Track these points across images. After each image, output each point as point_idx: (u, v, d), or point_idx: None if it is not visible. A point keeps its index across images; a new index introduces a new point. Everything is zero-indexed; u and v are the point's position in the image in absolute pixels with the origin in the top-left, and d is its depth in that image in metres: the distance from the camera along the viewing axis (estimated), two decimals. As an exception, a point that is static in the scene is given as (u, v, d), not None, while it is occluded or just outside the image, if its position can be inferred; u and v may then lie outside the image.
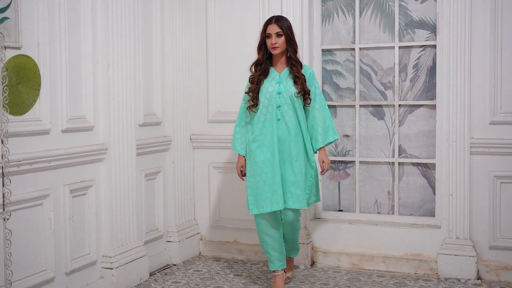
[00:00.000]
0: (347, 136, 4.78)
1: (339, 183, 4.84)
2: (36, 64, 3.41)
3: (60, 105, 3.64)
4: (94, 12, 3.90)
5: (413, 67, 4.58)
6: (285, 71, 3.97)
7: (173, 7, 4.71)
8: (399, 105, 4.62)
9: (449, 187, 4.33)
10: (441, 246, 4.35)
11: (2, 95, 2.65)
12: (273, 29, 3.89)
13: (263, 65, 3.98)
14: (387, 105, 4.66)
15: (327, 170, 4.06)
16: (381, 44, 4.64)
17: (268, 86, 3.96)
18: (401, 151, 4.64)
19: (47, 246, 3.52)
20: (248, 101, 4.02)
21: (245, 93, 4.04)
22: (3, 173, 2.67)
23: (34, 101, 3.42)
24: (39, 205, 3.47)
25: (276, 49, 3.89)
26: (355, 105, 4.73)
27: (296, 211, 4.00)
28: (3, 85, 2.66)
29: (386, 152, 4.68)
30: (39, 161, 3.43)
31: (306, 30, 4.65)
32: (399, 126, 4.63)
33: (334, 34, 4.78)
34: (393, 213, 4.67)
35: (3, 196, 2.66)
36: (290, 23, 3.96)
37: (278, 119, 3.92)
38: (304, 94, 3.94)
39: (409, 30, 4.57)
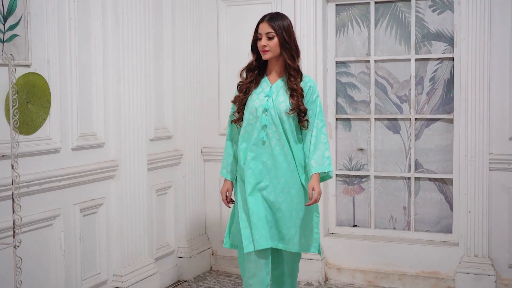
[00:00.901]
0: (362, 150, 4.68)
1: (353, 197, 4.74)
2: (46, 81, 3.33)
3: (70, 122, 3.55)
4: (104, 26, 3.82)
5: (430, 80, 4.47)
6: (279, 81, 3.33)
7: (184, 19, 4.62)
8: (416, 118, 4.51)
9: (467, 204, 4.23)
10: (459, 264, 4.25)
11: (13, 118, 2.57)
12: (264, 28, 3.26)
13: (255, 71, 3.38)
14: (403, 119, 4.56)
15: (315, 201, 3.27)
16: (397, 56, 4.54)
17: (255, 99, 3.32)
18: (417, 165, 4.54)
19: (57, 267, 3.43)
20: (233, 113, 3.47)
21: (231, 102, 3.48)
22: (13, 199, 2.58)
23: (44, 119, 3.34)
24: (49, 226, 3.39)
25: (266, 53, 3.25)
26: (370, 118, 4.63)
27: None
28: (13, 108, 2.57)
29: (402, 167, 4.58)
30: (49, 181, 3.35)
31: (320, 42, 4.55)
32: (415, 140, 4.53)
33: (348, 45, 4.68)
34: (409, 229, 4.57)
35: (13, 223, 2.57)
36: (289, 22, 3.31)
37: (264, 142, 3.30)
38: (300, 113, 3.27)
39: (425, 42, 4.47)
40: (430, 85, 4.47)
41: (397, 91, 4.57)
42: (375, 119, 4.62)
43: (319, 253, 3.51)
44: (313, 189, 3.26)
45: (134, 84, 3.99)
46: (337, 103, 4.71)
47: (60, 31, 3.45)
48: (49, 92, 3.36)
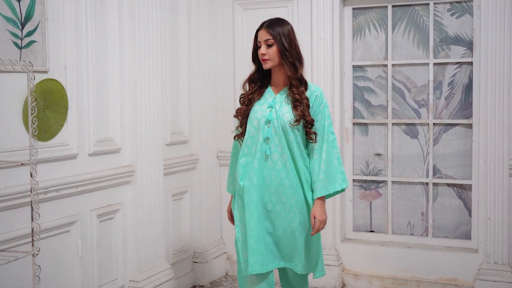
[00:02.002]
0: (379, 155, 4.63)
1: (370, 203, 4.69)
2: (63, 87, 3.32)
3: (87, 128, 3.54)
4: (121, 31, 3.80)
5: (448, 85, 4.42)
6: (284, 91, 3.10)
7: (199, 22, 4.60)
8: (434, 123, 4.46)
9: (486, 210, 4.17)
10: (478, 271, 4.19)
11: (31, 126, 2.55)
12: (262, 36, 3.03)
13: (257, 82, 3.16)
14: (421, 124, 4.51)
15: (319, 230, 3.05)
16: (415, 61, 4.49)
17: (257, 111, 3.09)
18: (435, 171, 4.49)
19: (74, 274, 3.42)
20: (236, 128, 3.26)
21: (234, 116, 3.26)
22: (32, 207, 2.57)
23: (62, 125, 3.33)
24: (66, 232, 3.38)
25: (266, 62, 3.02)
26: (387, 123, 4.58)
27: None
28: (32, 116, 2.56)
29: (419, 172, 4.53)
30: (66, 187, 3.34)
31: (336, 46, 4.51)
32: (433, 145, 4.48)
33: (365, 49, 4.63)
34: (427, 235, 4.52)
35: (32, 232, 2.56)
36: (289, 28, 3.05)
37: (266, 156, 3.07)
38: (306, 124, 3.03)
39: (444, 46, 4.42)
40: (448, 90, 4.42)
41: (415, 96, 4.52)
42: (393, 123, 4.58)
43: (321, 275, 3.21)
44: (314, 217, 3.03)
45: (151, 89, 3.98)
46: (354, 107, 4.66)
47: (77, 36, 3.44)
48: (66, 98, 3.35)
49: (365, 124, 4.66)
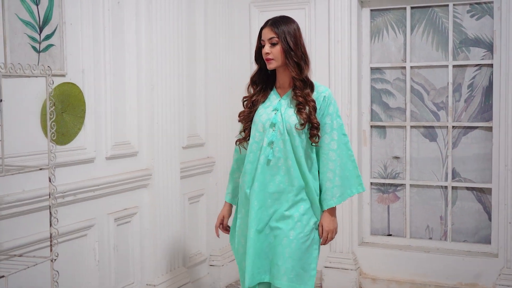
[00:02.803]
0: (397, 158, 4.58)
1: (388, 206, 4.65)
2: (81, 91, 3.31)
3: (104, 131, 3.53)
4: (138, 34, 3.79)
5: (468, 87, 4.36)
6: (289, 93, 2.91)
7: (216, 25, 4.57)
8: (453, 126, 4.41)
9: (506, 214, 4.11)
10: (499, 276, 4.13)
11: (50, 131, 2.54)
12: (266, 34, 2.85)
13: (261, 84, 2.97)
14: (439, 126, 4.45)
15: (329, 240, 2.91)
16: (434, 63, 4.43)
17: (262, 114, 2.91)
18: (454, 174, 4.43)
19: (91, 278, 3.41)
20: (240, 132, 3.07)
21: (238, 120, 3.07)
22: (50, 213, 2.55)
23: (79, 129, 3.32)
24: (83, 236, 3.37)
25: (270, 62, 2.83)
26: (405, 126, 4.53)
27: None
28: (51, 121, 2.55)
29: (438, 176, 4.48)
30: (83, 191, 3.33)
31: (354, 47, 4.47)
32: (452, 149, 4.42)
33: (383, 51, 4.59)
34: (445, 239, 4.46)
35: (51, 237, 2.55)
36: (295, 26, 2.87)
37: (269, 161, 2.86)
38: (312, 128, 2.83)
39: (463, 48, 4.36)
40: (468, 92, 4.37)
41: (433, 98, 4.47)
42: (411, 126, 4.53)
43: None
44: (322, 226, 2.88)
45: (168, 92, 3.96)
46: (371, 110, 4.62)
47: (95, 39, 3.43)
48: (84, 102, 3.33)
49: (383, 127, 4.62)
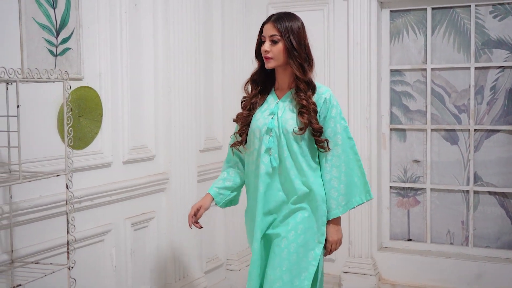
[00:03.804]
0: (417, 161, 4.50)
1: (408, 210, 4.57)
2: (98, 95, 3.27)
3: (121, 135, 3.49)
4: (155, 36, 3.74)
5: (491, 89, 4.28)
6: (288, 95, 2.72)
7: (233, 27, 4.52)
8: (475, 129, 4.32)
9: (530, 220, 4.03)
10: (522, 283, 4.06)
11: (67, 136, 2.50)
12: (268, 30, 2.65)
13: (260, 83, 2.79)
14: (461, 130, 4.37)
15: (333, 251, 2.75)
16: (455, 65, 4.35)
17: (259, 118, 2.73)
18: (476, 178, 4.34)
19: (108, 283, 3.37)
20: (234, 134, 2.89)
21: (233, 120, 2.91)
22: (67, 220, 2.52)
23: (96, 133, 3.28)
24: (100, 242, 3.33)
25: (269, 60, 2.64)
26: (426, 129, 4.45)
27: None
28: (68, 126, 2.51)
29: (460, 180, 4.39)
30: (100, 196, 3.28)
31: (374, 49, 4.40)
32: (474, 152, 4.34)
33: (403, 53, 4.51)
34: (467, 245, 4.38)
35: (68, 244, 2.51)
36: (300, 24, 2.68)
37: (268, 169, 2.68)
38: (314, 133, 2.64)
39: (486, 50, 4.27)
40: (490, 95, 4.28)
41: (455, 101, 4.39)
42: (432, 129, 4.45)
43: None
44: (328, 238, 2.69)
45: (185, 94, 3.91)
46: (391, 112, 4.55)
47: (112, 42, 3.39)
48: (101, 106, 3.30)
49: (403, 130, 4.54)
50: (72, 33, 3.10)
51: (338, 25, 4.47)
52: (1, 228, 2.68)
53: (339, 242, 2.73)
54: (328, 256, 4.50)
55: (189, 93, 3.95)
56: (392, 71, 4.54)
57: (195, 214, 2.84)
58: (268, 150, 2.67)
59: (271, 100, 2.75)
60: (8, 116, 2.52)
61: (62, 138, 2.95)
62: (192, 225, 2.88)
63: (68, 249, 2.56)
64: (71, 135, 2.54)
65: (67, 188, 2.54)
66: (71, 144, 2.57)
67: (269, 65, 2.66)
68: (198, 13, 4.09)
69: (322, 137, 2.65)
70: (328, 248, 2.72)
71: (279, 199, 2.69)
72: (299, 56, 2.62)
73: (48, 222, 2.94)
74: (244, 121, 2.78)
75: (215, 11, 4.38)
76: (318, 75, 4.50)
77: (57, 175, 2.50)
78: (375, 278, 4.39)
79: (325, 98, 2.67)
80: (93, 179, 3.26)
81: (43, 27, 2.91)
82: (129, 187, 3.50)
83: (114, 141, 3.42)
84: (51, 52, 2.96)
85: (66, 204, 2.54)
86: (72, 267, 2.61)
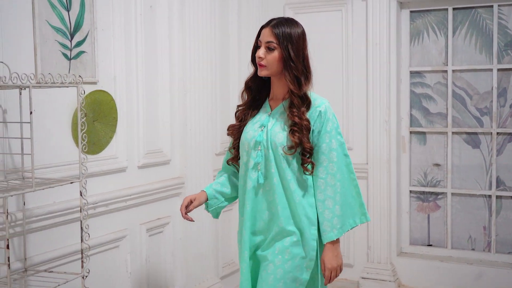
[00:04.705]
0: (437, 165, 4.40)
1: (428, 215, 4.47)
2: (112, 98, 3.21)
3: (136, 140, 3.43)
4: (171, 38, 3.68)
5: (514, 92, 4.17)
6: (280, 107, 2.50)
7: (249, 28, 4.45)
8: (497, 132, 4.21)
9: (555, 226, 3.92)
10: (546, 290, 3.95)
11: (81, 142, 2.44)
12: (265, 36, 2.43)
13: (253, 91, 2.58)
14: (483, 133, 4.26)
15: (333, 279, 2.47)
16: (477, 66, 4.24)
17: (249, 131, 2.52)
18: (499, 183, 4.24)
19: (123, 290, 3.32)
20: (229, 149, 2.69)
21: (227, 134, 2.72)
22: (81, 228, 2.46)
23: (111, 137, 3.23)
24: (115, 248, 3.27)
25: (262, 68, 2.43)
26: (447, 132, 4.35)
27: None
28: (82, 132, 2.45)
29: (481, 184, 4.28)
30: (115, 202, 3.23)
31: (393, 51, 4.31)
32: (497, 156, 4.23)
33: (423, 54, 4.41)
34: (489, 251, 4.27)
35: (82, 253, 2.45)
36: (299, 33, 2.44)
37: (255, 187, 2.48)
38: (303, 152, 2.40)
39: (509, 51, 4.16)
40: (514, 97, 4.18)
41: (477, 103, 4.28)
42: (453, 132, 4.34)
43: None
44: (323, 263, 2.45)
45: (201, 97, 3.85)
46: (411, 115, 4.45)
47: (127, 45, 3.33)
48: (116, 110, 3.24)
49: (423, 133, 4.44)
50: (86, 36, 3.04)
51: (356, 26, 4.39)
52: (15, 235, 2.63)
53: (339, 269, 2.46)
54: (346, 262, 4.46)
55: (205, 96, 3.89)
56: (412, 72, 4.44)
57: (187, 206, 2.62)
58: (256, 165, 2.46)
59: (263, 111, 2.55)
60: (21, 122, 2.47)
61: (76, 142, 2.89)
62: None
63: (82, 257, 2.50)
64: (85, 141, 2.49)
65: (81, 195, 2.48)
66: (85, 150, 2.51)
67: (261, 73, 2.45)
68: (215, 15, 4.02)
69: (310, 158, 2.41)
70: (328, 277, 2.45)
71: (266, 218, 2.47)
72: (295, 68, 2.40)
73: (62, 229, 2.89)
74: (236, 133, 2.59)
75: (232, 12, 4.31)
76: (335, 78, 4.45)
77: (71, 182, 2.45)
78: (394, 284, 4.30)
79: (320, 112, 2.43)
80: (108, 184, 3.21)
81: (57, 30, 2.86)
82: (144, 192, 3.45)
83: (129, 146, 3.36)
84: (65, 55, 2.91)
85: (80, 212, 2.47)
86: (86, 276, 2.55)
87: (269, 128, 2.45)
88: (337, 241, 2.44)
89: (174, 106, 3.72)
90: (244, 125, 2.56)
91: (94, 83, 3.10)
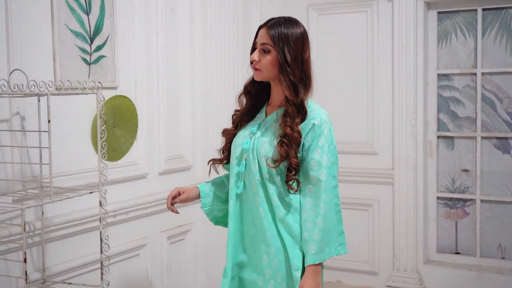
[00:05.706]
0: (466, 170, 4.27)
1: (456, 222, 4.33)
2: (133, 104, 3.14)
3: (157, 145, 3.36)
4: (192, 42, 3.60)
5: (546, 95, 4.03)
6: (273, 114, 2.30)
7: (273, 30, 4.35)
8: (529, 137, 4.08)
9: None
10: None
11: (101, 151, 2.37)
12: (261, 37, 2.24)
13: (252, 95, 2.38)
14: (514, 138, 4.13)
15: None
16: (508, 69, 4.10)
17: (239, 136, 2.35)
18: (530, 189, 4.10)
19: (143, 300, 3.25)
20: (220, 150, 2.50)
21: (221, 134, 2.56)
22: (101, 239, 2.39)
23: (131, 144, 3.16)
24: (135, 256, 3.21)
25: (257, 72, 2.25)
26: (476, 137, 4.21)
27: None
28: (102, 140, 2.38)
29: (512, 190, 4.15)
30: (136, 209, 3.17)
31: (420, 53, 4.19)
32: (528, 162, 4.09)
33: (451, 56, 4.28)
34: (520, 260, 4.14)
35: (101, 265, 2.38)
36: (299, 34, 2.22)
37: (238, 197, 2.30)
38: (289, 167, 2.18)
39: (541, 53, 4.02)
40: (546, 101, 4.03)
41: (507, 107, 4.14)
42: (482, 137, 4.20)
43: None
44: None
45: (222, 101, 3.77)
46: (438, 119, 4.32)
47: (147, 49, 3.26)
48: (136, 115, 3.17)
49: (451, 138, 4.31)
50: (106, 40, 2.97)
51: (382, 27, 4.27)
52: (33, 245, 2.57)
53: None
54: (371, 269, 4.35)
55: (227, 100, 3.80)
56: (439, 75, 4.31)
57: (174, 197, 2.45)
58: (240, 174, 2.28)
59: (259, 117, 2.37)
60: (39, 131, 2.40)
61: (96, 150, 2.82)
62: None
63: (102, 269, 2.42)
64: (105, 149, 2.41)
65: (100, 205, 2.40)
66: (105, 158, 2.44)
67: (257, 77, 2.27)
68: (237, 18, 3.93)
69: (296, 176, 2.19)
70: None
71: (250, 234, 2.28)
72: (292, 73, 2.17)
73: (81, 238, 2.83)
74: (229, 138, 2.41)
75: (254, 15, 4.21)
76: (360, 81, 4.34)
77: (90, 192, 2.37)
78: (421, 293, 4.19)
79: (314, 124, 2.20)
80: (128, 192, 3.14)
81: (77, 34, 2.79)
82: (165, 199, 3.36)
83: (149, 152, 3.29)
84: (84, 60, 2.84)
85: (100, 222, 2.40)
86: (106, 288, 2.48)
87: (257, 136, 2.27)
88: (318, 267, 2.18)
89: (195, 111, 3.65)
90: (239, 130, 2.39)
91: (114, 88, 3.03)
